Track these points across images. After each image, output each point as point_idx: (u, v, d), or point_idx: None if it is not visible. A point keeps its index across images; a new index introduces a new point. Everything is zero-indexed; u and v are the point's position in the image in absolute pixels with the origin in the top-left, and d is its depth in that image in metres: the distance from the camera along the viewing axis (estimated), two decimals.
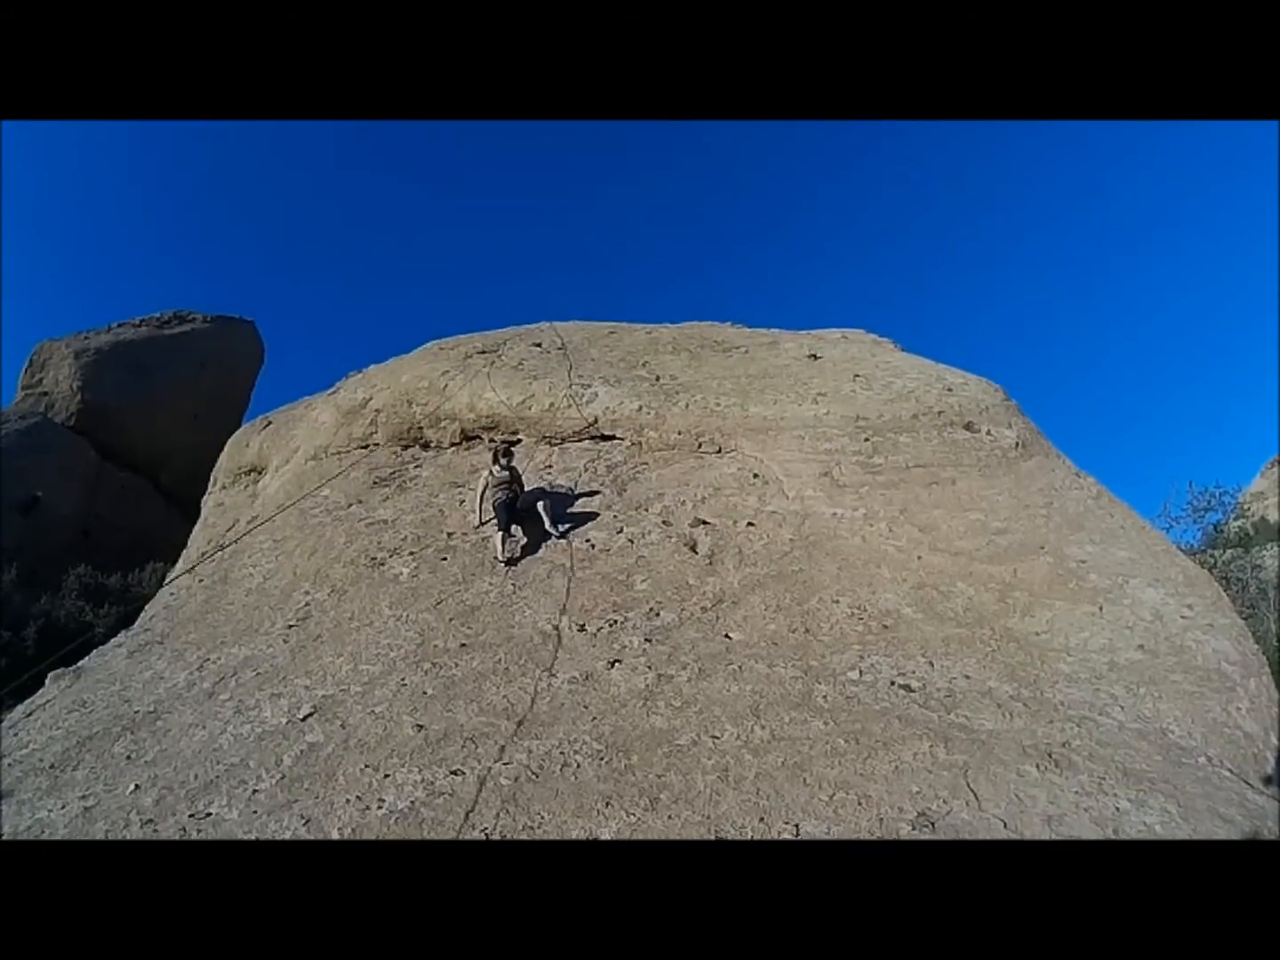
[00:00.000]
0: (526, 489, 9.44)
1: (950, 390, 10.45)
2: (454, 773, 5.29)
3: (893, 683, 6.17)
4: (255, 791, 5.36)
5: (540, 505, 8.94)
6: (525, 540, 8.93)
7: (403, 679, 6.60)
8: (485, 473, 9.41)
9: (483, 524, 9.30)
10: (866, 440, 9.51)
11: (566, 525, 8.98)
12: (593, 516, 9.17)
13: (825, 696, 6.00)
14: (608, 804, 4.87)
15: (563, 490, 9.73)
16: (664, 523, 8.86)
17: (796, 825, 4.58)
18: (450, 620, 7.54)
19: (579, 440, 10.88)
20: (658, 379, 11.51)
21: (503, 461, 9.35)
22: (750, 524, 8.65)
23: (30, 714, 7.34)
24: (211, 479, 15.26)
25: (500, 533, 8.72)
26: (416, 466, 11.28)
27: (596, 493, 9.67)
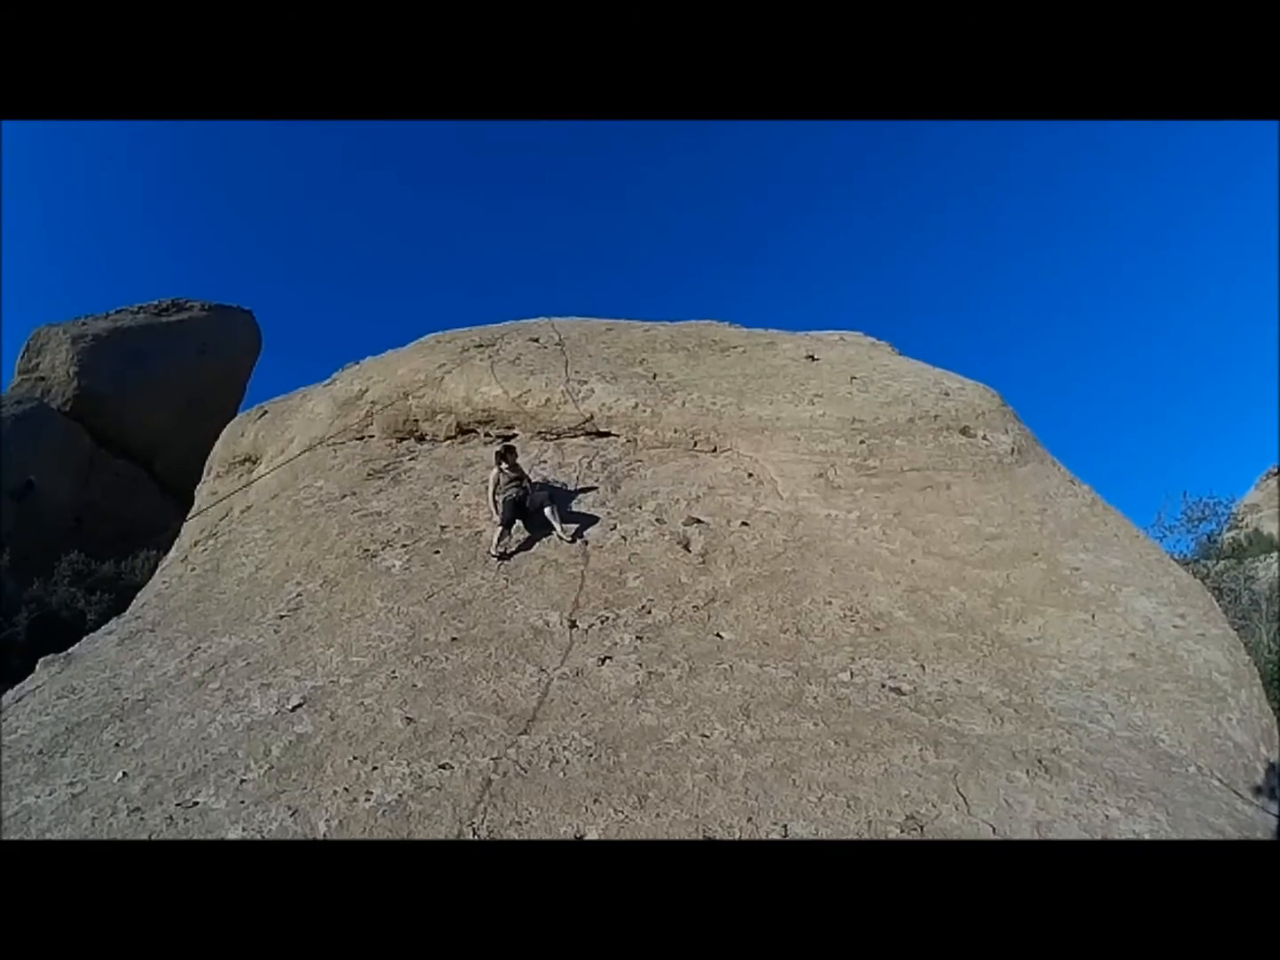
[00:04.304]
0: (529, 485, 9.36)
1: (947, 395, 10.45)
2: (442, 766, 5.27)
3: (884, 685, 6.17)
4: (243, 781, 5.33)
5: (547, 510, 8.89)
6: (523, 536, 8.91)
7: (393, 671, 6.58)
8: (493, 473, 9.34)
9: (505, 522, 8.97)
10: (862, 443, 9.51)
11: (574, 526, 8.91)
12: (587, 513, 9.15)
13: (816, 698, 5.99)
14: (596, 801, 4.86)
15: (562, 487, 9.70)
16: (657, 520, 8.85)
17: (785, 826, 4.57)
18: (442, 614, 7.51)
19: (574, 436, 10.85)
20: (654, 377, 11.49)
21: (509, 460, 9.31)
22: (744, 523, 8.64)
23: (19, 699, 7.30)
24: (206, 468, 15.18)
25: (500, 528, 8.72)
26: (411, 459, 11.23)
27: (591, 489, 9.66)
